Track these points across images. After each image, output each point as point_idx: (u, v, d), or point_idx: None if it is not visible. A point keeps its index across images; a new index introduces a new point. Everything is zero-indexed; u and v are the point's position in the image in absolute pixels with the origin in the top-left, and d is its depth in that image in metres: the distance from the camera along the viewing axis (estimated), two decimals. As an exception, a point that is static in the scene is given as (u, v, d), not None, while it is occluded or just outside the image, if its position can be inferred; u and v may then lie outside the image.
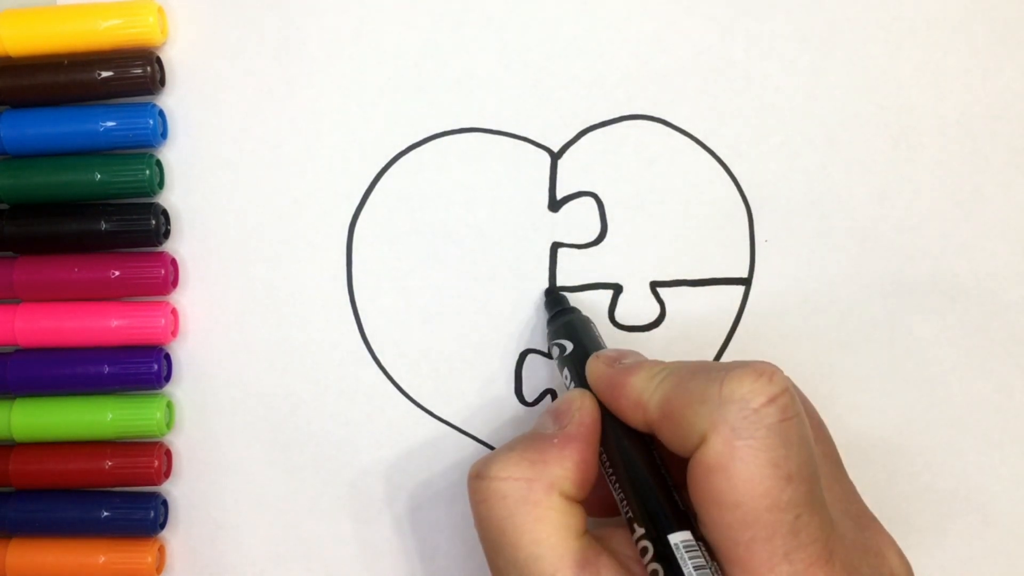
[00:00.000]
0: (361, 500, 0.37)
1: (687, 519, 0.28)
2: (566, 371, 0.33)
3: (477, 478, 0.30)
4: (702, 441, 0.27)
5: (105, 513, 0.36)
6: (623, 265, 0.36)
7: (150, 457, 0.36)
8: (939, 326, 0.36)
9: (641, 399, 0.29)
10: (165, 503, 0.37)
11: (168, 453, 0.37)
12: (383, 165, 0.36)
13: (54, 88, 0.35)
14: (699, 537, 0.27)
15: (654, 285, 0.36)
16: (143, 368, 0.36)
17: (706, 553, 0.27)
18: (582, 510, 0.30)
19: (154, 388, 0.36)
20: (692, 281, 0.36)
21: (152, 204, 0.36)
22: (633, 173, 0.36)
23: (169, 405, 0.37)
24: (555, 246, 0.36)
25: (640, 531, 0.28)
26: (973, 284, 0.36)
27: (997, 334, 0.36)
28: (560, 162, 0.36)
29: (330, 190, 0.36)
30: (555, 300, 0.36)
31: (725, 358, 0.36)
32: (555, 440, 0.30)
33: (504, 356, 0.37)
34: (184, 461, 0.37)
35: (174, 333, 0.37)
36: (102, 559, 0.36)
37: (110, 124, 0.35)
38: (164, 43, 0.36)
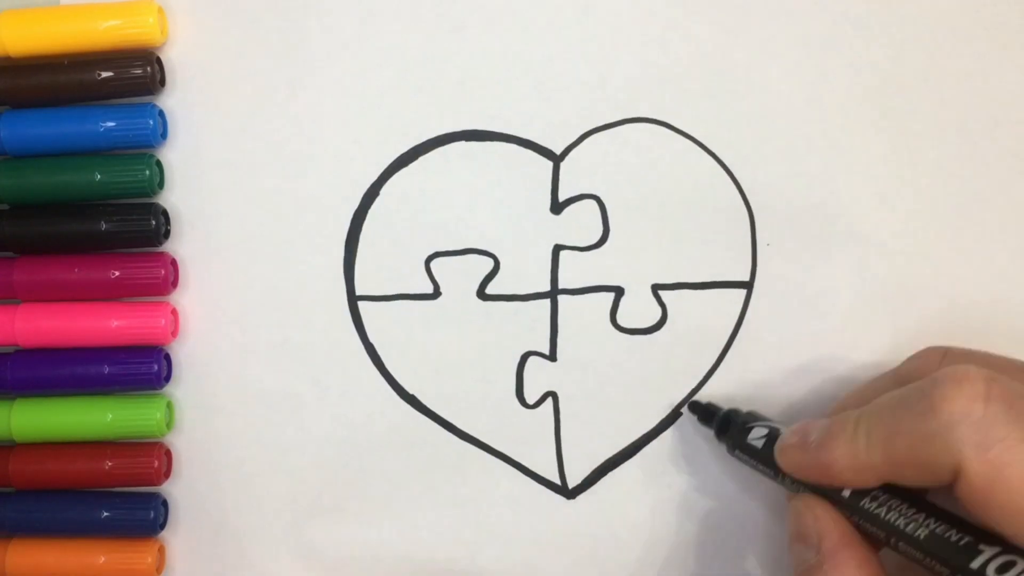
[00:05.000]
0: (361, 500, 0.37)
1: (982, 536, 0.27)
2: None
3: None
4: (958, 472, 0.26)
5: (105, 513, 0.36)
6: (625, 268, 0.36)
7: (150, 457, 0.36)
8: (940, 327, 0.36)
9: (857, 464, 0.29)
10: (165, 503, 0.37)
11: (168, 453, 0.37)
12: (384, 166, 0.36)
13: (54, 88, 0.35)
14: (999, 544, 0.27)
15: (656, 288, 0.36)
16: (143, 368, 0.36)
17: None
18: None
19: (154, 388, 0.36)
20: (694, 284, 0.36)
21: (152, 204, 0.36)
22: (635, 176, 0.36)
23: (169, 405, 0.37)
24: (557, 248, 0.36)
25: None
26: (973, 285, 0.36)
27: (997, 336, 0.36)
28: (562, 164, 0.36)
29: (330, 190, 0.36)
30: (706, 411, 0.35)
31: (727, 361, 0.36)
32: (824, 567, 0.29)
33: (505, 358, 0.37)
34: (184, 461, 0.37)
35: (174, 333, 0.37)
36: (102, 559, 0.36)
37: (110, 124, 0.35)
38: (164, 43, 0.36)
